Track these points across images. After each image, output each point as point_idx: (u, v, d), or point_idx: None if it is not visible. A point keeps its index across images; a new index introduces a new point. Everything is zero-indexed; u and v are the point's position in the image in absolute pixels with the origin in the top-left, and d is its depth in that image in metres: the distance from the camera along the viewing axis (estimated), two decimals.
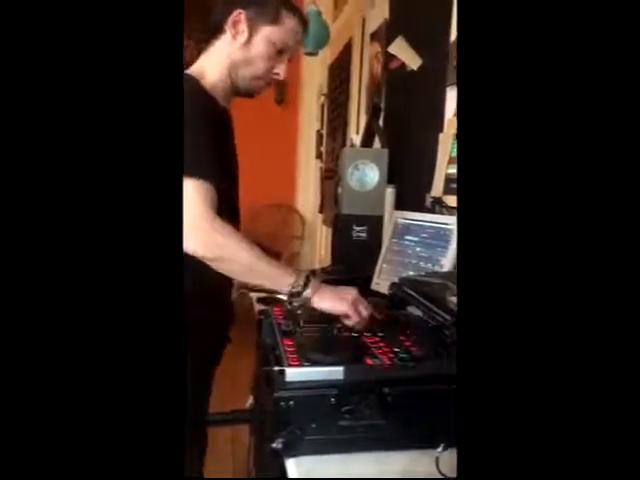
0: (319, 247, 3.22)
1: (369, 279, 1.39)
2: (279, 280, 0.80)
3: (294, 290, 0.79)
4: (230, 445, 1.02)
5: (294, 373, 0.59)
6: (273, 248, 3.44)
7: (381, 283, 1.32)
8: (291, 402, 0.56)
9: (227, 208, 0.87)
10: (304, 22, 0.94)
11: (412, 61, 1.56)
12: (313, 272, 0.83)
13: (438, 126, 1.35)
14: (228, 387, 0.91)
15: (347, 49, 2.58)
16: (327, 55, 3.14)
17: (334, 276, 1.60)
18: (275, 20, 0.90)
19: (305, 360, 0.62)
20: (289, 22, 0.91)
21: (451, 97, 1.30)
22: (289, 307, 0.79)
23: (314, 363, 0.61)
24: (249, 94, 1.01)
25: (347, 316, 0.77)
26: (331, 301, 0.79)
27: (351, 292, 0.81)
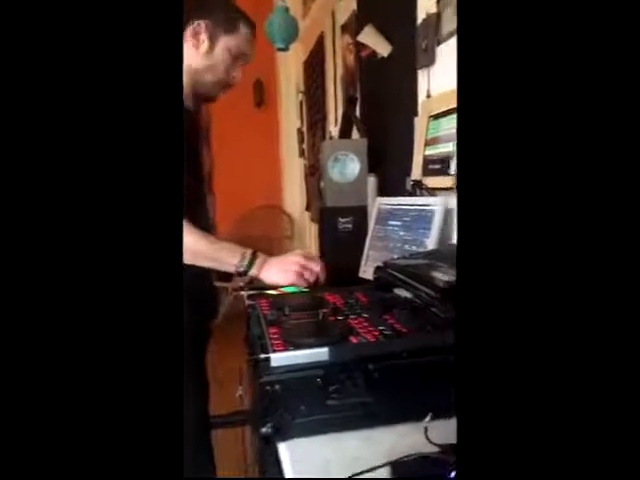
0: (309, 244, 3.22)
1: (356, 267, 1.39)
2: (225, 261, 0.87)
3: (241, 269, 0.85)
4: (237, 445, 1.01)
5: (279, 358, 0.59)
6: (264, 250, 3.43)
7: (368, 270, 1.32)
8: (277, 386, 0.56)
9: (190, 201, 0.88)
10: (255, 30, 1.04)
11: (382, 48, 1.57)
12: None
13: (413, 110, 1.35)
14: (232, 390, 0.91)
15: (319, 44, 2.58)
16: (301, 52, 3.14)
17: None
18: (232, 30, 0.98)
19: (290, 345, 0.61)
20: (244, 31, 1.00)
21: (422, 80, 1.31)
22: (242, 285, 0.88)
23: (298, 347, 0.60)
24: (210, 98, 1.07)
25: (297, 284, 0.86)
26: (277, 275, 0.87)
27: (294, 262, 0.88)
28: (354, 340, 0.63)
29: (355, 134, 1.86)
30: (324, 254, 1.77)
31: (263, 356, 0.60)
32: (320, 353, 0.59)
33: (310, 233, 3.12)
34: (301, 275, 0.87)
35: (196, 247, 0.85)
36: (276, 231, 3.74)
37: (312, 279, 0.86)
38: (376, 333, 0.65)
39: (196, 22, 0.95)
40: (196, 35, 0.96)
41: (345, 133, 1.91)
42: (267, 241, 3.54)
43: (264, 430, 0.56)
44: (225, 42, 0.98)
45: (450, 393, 0.60)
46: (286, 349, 0.60)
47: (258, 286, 1.08)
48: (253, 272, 0.86)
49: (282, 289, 1.04)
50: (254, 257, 0.87)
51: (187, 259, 0.85)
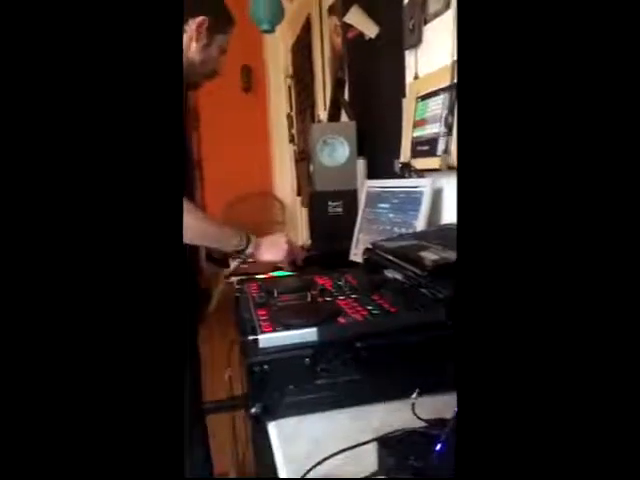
0: (301, 230, 3.22)
1: (347, 251, 1.39)
2: (226, 241, 0.98)
3: (239, 248, 0.97)
4: (228, 431, 1.02)
5: (267, 339, 0.59)
6: (256, 236, 3.42)
7: (358, 253, 1.32)
8: (265, 366, 0.56)
9: None
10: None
11: (369, 29, 1.55)
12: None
13: (400, 91, 1.34)
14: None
15: (307, 27, 2.55)
16: (288, 36, 3.10)
17: (314, 252, 1.60)
18: (226, 29, 1.08)
19: (278, 326, 0.62)
20: (232, 30, 1.11)
21: (410, 61, 1.30)
22: (234, 262, 1.02)
23: (287, 327, 0.61)
24: (195, 87, 1.15)
25: (284, 262, 1.02)
26: (270, 253, 1.01)
27: (285, 242, 1.03)
28: (342, 320, 0.63)
29: (344, 117, 1.85)
30: (315, 239, 1.77)
31: (251, 337, 0.60)
32: (308, 333, 0.59)
33: (301, 218, 3.12)
34: (288, 254, 1.01)
35: (203, 228, 0.94)
36: (268, 217, 3.73)
37: (296, 258, 1.04)
38: (364, 313, 0.65)
39: (200, 17, 1.02)
40: (199, 28, 1.03)
41: (334, 117, 1.89)
42: (259, 227, 3.53)
43: (253, 410, 0.56)
44: (219, 40, 1.07)
45: (436, 370, 0.61)
46: (274, 330, 0.61)
47: (248, 272, 1.10)
48: (249, 251, 0.98)
49: (271, 274, 1.05)
50: (249, 238, 1.00)
51: (193, 238, 0.93)
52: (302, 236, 3.03)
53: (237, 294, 0.87)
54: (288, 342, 0.59)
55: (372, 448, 0.48)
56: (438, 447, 0.41)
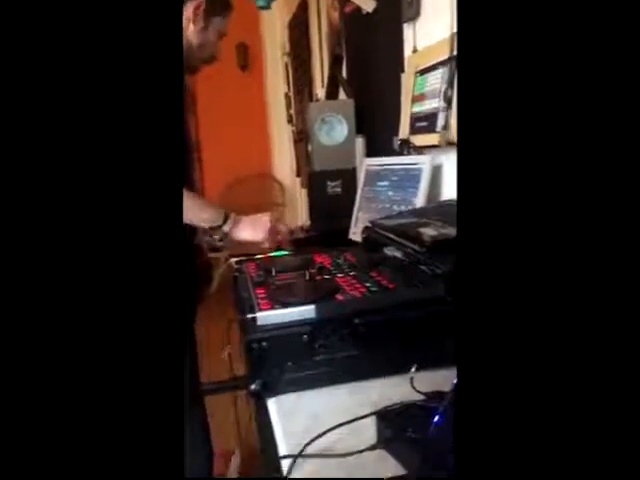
0: (300, 211, 3.20)
1: (347, 230, 1.39)
2: (203, 216, 0.92)
3: (215, 224, 0.90)
4: (231, 411, 1.03)
5: (265, 316, 0.59)
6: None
7: (358, 232, 1.32)
8: (264, 343, 0.56)
9: None
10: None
11: (366, 3, 1.51)
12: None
13: (399, 66, 1.32)
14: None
15: (303, 2, 2.49)
16: (285, 12, 3.04)
17: (313, 232, 1.60)
18: (223, 12, 1.06)
19: (276, 303, 0.61)
20: (229, 13, 1.08)
21: (408, 34, 1.27)
22: (209, 239, 0.93)
23: (285, 305, 0.60)
24: (193, 71, 1.12)
25: (263, 243, 0.94)
26: (249, 231, 0.93)
27: (266, 220, 0.95)
28: (340, 297, 0.63)
29: (342, 95, 1.82)
30: (314, 219, 1.76)
31: (250, 316, 0.60)
32: (306, 310, 0.59)
33: (301, 200, 3.10)
34: (269, 235, 0.94)
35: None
36: (267, 199, 3.72)
37: (278, 241, 0.95)
38: (362, 290, 0.65)
39: (198, 0, 1.01)
40: (195, 11, 1.01)
41: (332, 94, 1.87)
42: (259, 209, 3.51)
43: (253, 387, 0.56)
44: (217, 23, 1.05)
45: (435, 345, 0.61)
46: (272, 308, 0.60)
47: (248, 253, 1.09)
48: (225, 228, 0.91)
49: (269, 254, 1.04)
50: (228, 215, 0.92)
51: None
52: (302, 217, 3.02)
53: (236, 274, 0.87)
54: (286, 320, 0.59)
55: (371, 422, 0.48)
56: (436, 419, 0.41)
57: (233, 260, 1.36)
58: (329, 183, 1.67)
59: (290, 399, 0.57)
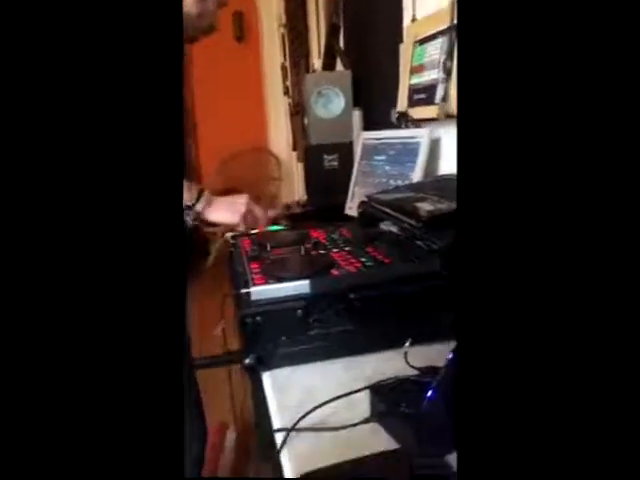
0: (297, 185, 3.18)
1: (343, 205, 1.38)
2: None
3: (186, 203, 0.85)
4: (225, 385, 1.03)
5: (259, 291, 0.58)
6: (251, 192, 3.39)
7: (354, 207, 1.31)
8: (258, 318, 0.56)
9: None
10: None
11: None
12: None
13: (398, 35, 1.28)
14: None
15: None
16: None
17: (308, 207, 1.59)
18: None
19: (270, 278, 0.61)
20: None
21: (407, 3, 1.23)
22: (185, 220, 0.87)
23: (279, 280, 0.60)
24: (191, 41, 1.08)
25: (237, 226, 0.89)
26: (222, 213, 0.88)
27: (243, 203, 0.89)
28: (335, 272, 0.62)
29: (339, 67, 1.78)
30: (310, 193, 1.75)
31: (244, 290, 0.60)
32: (302, 285, 0.59)
33: (297, 174, 3.07)
34: (245, 217, 0.89)
35: None
36: (263, 174, 3.68)
37: (254, 223, 0.90)
38: (358, 265, 0.65)
39: None
40: None
41: (329, 66, 1.82)
42: (255, 184, 3.49)
43: (247, 361, 0.56)
44: None
45: (430, 320, 0.61)
46: (267, 282, 0.60)
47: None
48: (198, 207, 0.86)
49: (265, 229, 1.03)
50: (201, 193, 0.87)
51: None
52: (298, 192, 3.00)
53: (231, 249, 0.86)
54: (280, 294, 0.58)
55: (365, 396, 0.48)
56: (429, 394, 0.41)
57: (229, 235, 1.35)
58: (325, 157, 1.65)
59: (284, 373, 0.57)
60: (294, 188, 3.31)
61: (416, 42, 1.18)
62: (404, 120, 1.20)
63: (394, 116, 1.25)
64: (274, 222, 1.07)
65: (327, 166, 1.64)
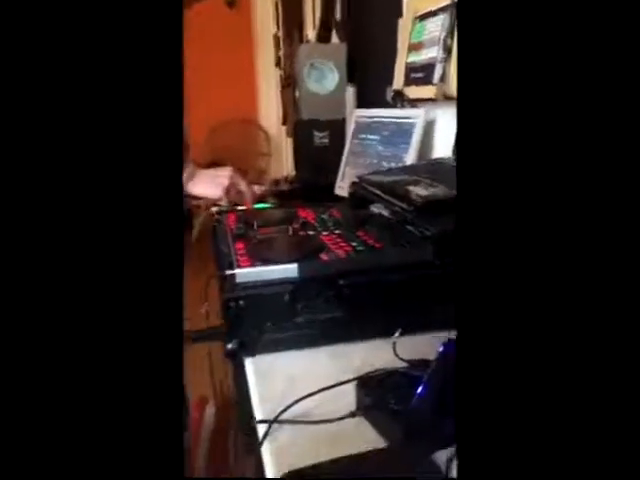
0: (285, 161, 3.12)
1: (332, 184, 1.34)
2: None
3: None
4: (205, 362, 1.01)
5: (245, 274, 0.56)
6: (238, 166, 3.33)
7: (344, 187, 1.28)
8: (242, 302, 0.53)
9: None
10: None
11: None
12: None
13: (397, 9, 1.23)
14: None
15: None
16: None
17: (297, 184, 1.55)
18: None
19: (256, 260, 0.58)
20: None
21: None
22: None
23: (266, 262, 0.57)
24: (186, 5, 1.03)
25: (220, 200, 0.85)
26: (205, 186, 0.84)
27: (226, 176, 0.85)
28: (325, 257, 0.60)
29: (335, 40, 1.72)
30: (299, 170, 1.71)
31: (228, 272, 0.57)
32: (289, 269, 0.56)
33: (286, 149, 3.01)
34: (228, 192, 0.85)
35: None
36: (252, 147, 3.61)
37: (238, 198, 0.87)
38: (348, 249, 0.62)
39: None
40: None
41: (323, 38, 1.76)
42: (243, 157, 3.42)
43: (229, 346, 0.54)
44: None
45: (421, 310, 0.59)
46: (252, 265, 0.57)
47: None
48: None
49: (252, 206, 0.99)
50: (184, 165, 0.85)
51: None
52: (287, 168, 2.94)
53: (215, 224, 0.83)
54: (267, 278, 0.56)
55: (351, 387, 0.47)
56: (419, 390, 0.39)
57: (214, 209, 1.31)
58: (316, 133, 1.60)
59: (267, 360, 0.55)
60: (282, 164, 3.25)
61: (416, 18, 1.14)
62: (399, 99, 1.16)
63: (389, 95, 1.21)
64: (261, 199, 1.03)
65: (317, 143, 1.59)
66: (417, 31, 1.13)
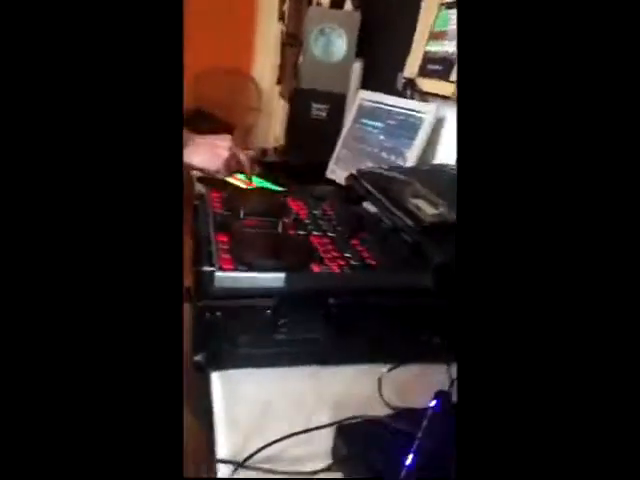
0: (274, 122, 2.99)
1: (324, 164, 1.27)
2: None
3: None
4: None
5: (225, 278, 0.50)
6: (226, 119, 3.17)
7: (337, 172, 1.21)
8: (218, 313, 0.47)
9: None
10: None
11: None
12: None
13: None
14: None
15: None
16: None
17: (286, 158, 1.47)
18: None
19: (240, 263, 0.52)
20: None
21: None
22: None
23: (251, 268, 0.51)
24: None
25: (218, 172, 0.79)
26: (203, 157, 0.78)
27: (226, 147, 0.79)
28: (316, 269, 0.54)
29: (348, 6, 1.60)
30: (290, 141, 1.62)
31: (207, 269, 0.51)
32: (276, 279, 0.50)
33: (278, 110, 2.88)
34: (228, 164, 0.79)
35: None
36: (241, 101, 3.43)
37: (237, 169, 0.82)
38: (341, 262, 0.57)
39: None
40: None
41: (336, 3, 1.64)
42: (231, 109, 3.25)
43: (197, 358, 0.48)
44: None
45: (412, 339, 0.55)
46: (235, 269, 0.51)
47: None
48: None
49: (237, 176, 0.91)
50: None
51: None
52: (275, 131, 2.82)
53: (196, 202, 0.76)
54: (250, 285, 0.50)
55: (328, 431, 0.42)
56: (408, 462, 0.35)
57: (195, 173, 1.22)
58: (314, 105, 1.51)
59: (238, 377, 0.50)
60: (272, 124, 3.12)
61: (442, 4, 1.05)
62: (410, 89, 1.09)
63: (400, 82, 1.13)
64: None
65: (314, 115, 1.50)
66: (442, 19, 1.05)
